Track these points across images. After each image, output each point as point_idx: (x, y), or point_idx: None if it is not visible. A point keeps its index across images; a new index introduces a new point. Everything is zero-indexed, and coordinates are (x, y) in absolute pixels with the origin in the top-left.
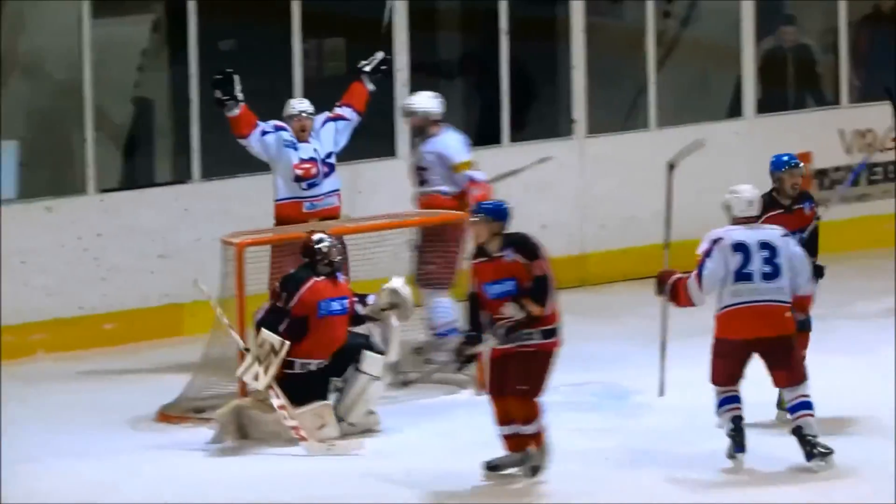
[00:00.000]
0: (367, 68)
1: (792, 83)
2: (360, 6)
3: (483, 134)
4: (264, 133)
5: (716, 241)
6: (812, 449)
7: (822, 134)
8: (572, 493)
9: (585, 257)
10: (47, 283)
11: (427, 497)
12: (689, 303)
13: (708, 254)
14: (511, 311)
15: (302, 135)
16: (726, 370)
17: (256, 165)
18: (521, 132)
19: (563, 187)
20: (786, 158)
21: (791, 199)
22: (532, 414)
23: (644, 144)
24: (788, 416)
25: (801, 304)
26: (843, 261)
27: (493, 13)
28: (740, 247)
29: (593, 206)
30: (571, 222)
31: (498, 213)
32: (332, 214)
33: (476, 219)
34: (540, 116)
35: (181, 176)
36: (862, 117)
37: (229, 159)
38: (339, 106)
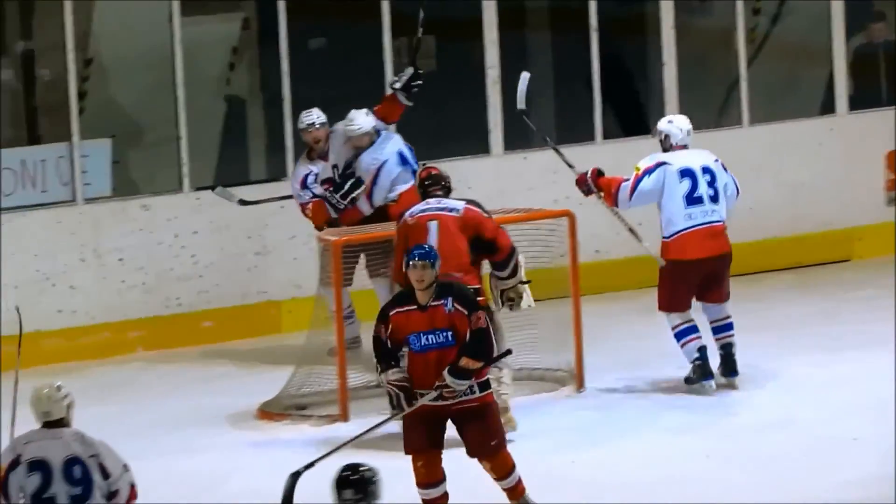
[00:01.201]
0: (397, 85)
1: (884, 79)
2: (450, 4)
3: (576, 131)
4: (305, 186)
5: (661, 164)
6: (734, 367)
7: None
8: (679, 494)
9: None
10: (145, 280)
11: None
12: (613, 202)
13: (649, 171)
14: (451, 382)
15: (316, 145)
16: (685, 294)
17: None
18: (614, 129)
19: None
20: None
21: None
22: (508, 466)
23: (737, 141)
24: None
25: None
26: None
27: (583, 11)
28: (688, 172)
29: None
30: None
31: (437, 259)
32: (357, 218)
33: (419, 264)
34: (632, 114)
35: (275, 174)
36: None
37: None
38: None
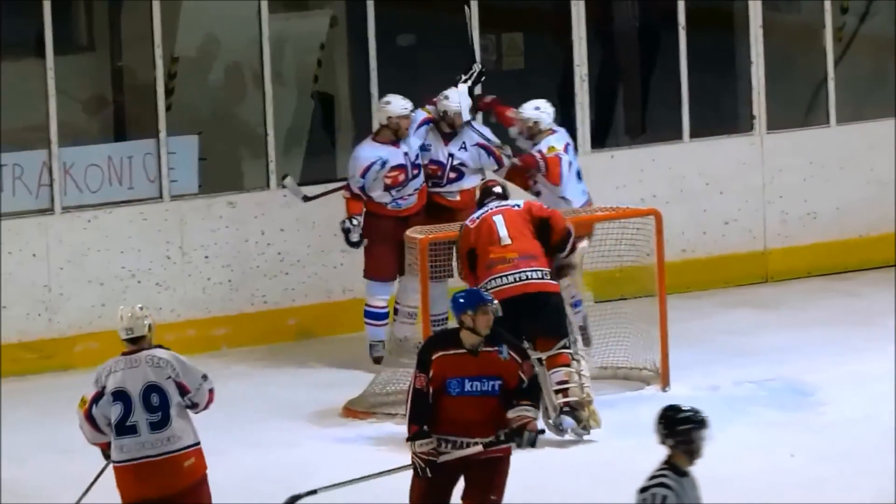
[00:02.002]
0: (469, 83)
1: None
2: (539, 2)
3: (663, 130)
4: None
5: (569, 144)
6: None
7: None
8: (761, 489)
9: (767, 253)
10: (231, 277)
11: (605, 494)
12: (557, 180)
13: (567, 150)
14: (518, 414)
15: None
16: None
17: None
18: (701, 128)
19: (745, 183)
20: None
21: None
22: None
23: (824, 140)
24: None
25: None
26: None
27: (671, 9)
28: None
29: (775, 202)
30: (753, 218)
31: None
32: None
33: (491, 308)
34: (720, 112)
35: None
36: None
37: None
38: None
